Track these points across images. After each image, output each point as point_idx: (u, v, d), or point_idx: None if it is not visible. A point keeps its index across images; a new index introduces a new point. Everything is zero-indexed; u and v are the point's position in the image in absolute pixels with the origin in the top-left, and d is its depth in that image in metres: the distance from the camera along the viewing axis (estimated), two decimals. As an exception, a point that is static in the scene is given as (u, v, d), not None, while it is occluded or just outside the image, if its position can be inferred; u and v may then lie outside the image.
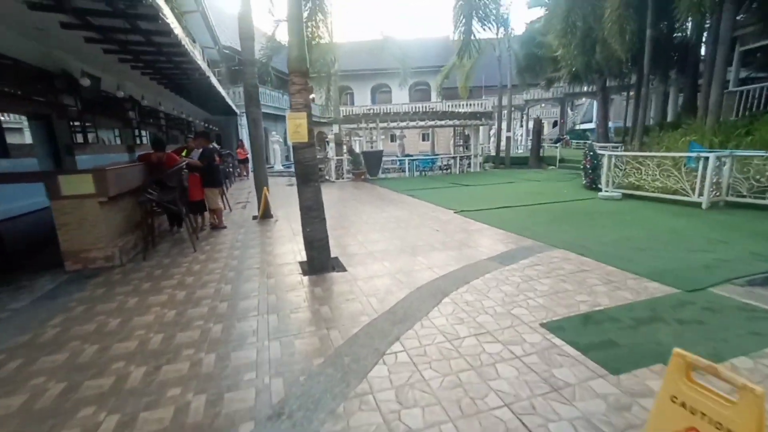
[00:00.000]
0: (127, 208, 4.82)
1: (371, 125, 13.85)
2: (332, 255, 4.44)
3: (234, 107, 17.91)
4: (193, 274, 4.10)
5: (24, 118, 6.23)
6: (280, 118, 23.28)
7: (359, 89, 34.68)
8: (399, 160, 15.04)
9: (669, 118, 14.83)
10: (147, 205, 4.74)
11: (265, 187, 6.72)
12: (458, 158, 15.00)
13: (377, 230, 5.79)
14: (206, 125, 20.56)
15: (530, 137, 36.50)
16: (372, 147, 16.33)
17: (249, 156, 16.15)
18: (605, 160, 8.57)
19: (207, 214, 6.23)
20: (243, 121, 18.69)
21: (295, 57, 3.75)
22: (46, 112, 6.15)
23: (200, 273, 4.11)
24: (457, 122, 14.68)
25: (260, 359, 2.43)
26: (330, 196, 9.82)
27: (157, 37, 5.60)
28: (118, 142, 9.23)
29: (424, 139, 37.07)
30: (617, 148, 14.36)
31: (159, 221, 5.92)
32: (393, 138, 35.81)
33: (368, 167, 13.22)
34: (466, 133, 19.07)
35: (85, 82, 5.90)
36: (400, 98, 33.37)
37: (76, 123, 6.83)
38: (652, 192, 7.63)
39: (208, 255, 4.79)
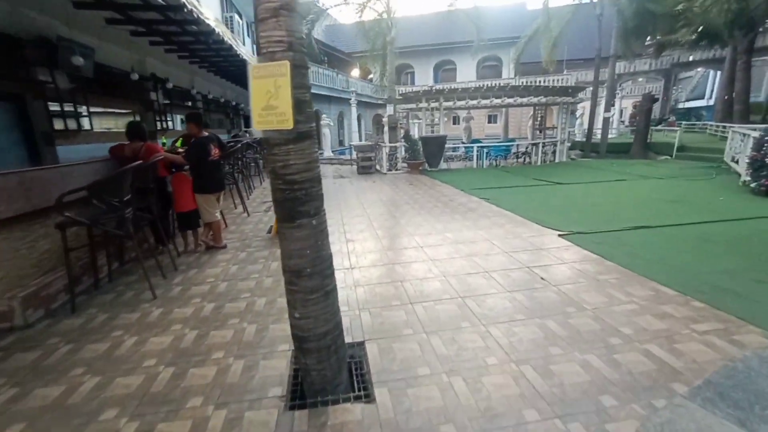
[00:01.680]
0: (52, 231, 3.17)
1: (433, 105, 11.43)
2: (357, 333, 2.41)
3: (283, 88, 16.49)
4: (110, 364, 2.30)
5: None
6: (334, 100, 21.68)
7: (420, 67, 31.83)
8: (466, 147, 12.48)
9: None
10: (68, 230, 3.03)
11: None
12: (540, 145, 12.01)
13: (438, 271, 3.59)
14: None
15: (623, 119, 31.17)
16: (432, 131, 13.94)
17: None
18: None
19: (202, 229, 4.54)
20: (292, 103, 17.23)
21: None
22: (13, 91, 4.80)
23: (119, 364, 2.30)
24: (542, 99, 11.63)
25: None
26: (377, 194, 7.76)
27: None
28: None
29: (490, 122, 33.37)
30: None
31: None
32: (456, 120, 32.62)
33: (427, 156, 10.91)
34: (541, 115, 15.73)
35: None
36: (467, 76, 30.04)
37: (67, 104, 5.50)
38: None
39: (165, 311, 2.99)
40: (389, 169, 11.06)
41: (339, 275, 3.39)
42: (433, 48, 30.42)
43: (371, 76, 30.55)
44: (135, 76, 6.55)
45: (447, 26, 30.56)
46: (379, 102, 28.83)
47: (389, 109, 11.74)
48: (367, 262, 3.92)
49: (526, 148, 12.24)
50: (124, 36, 6.45)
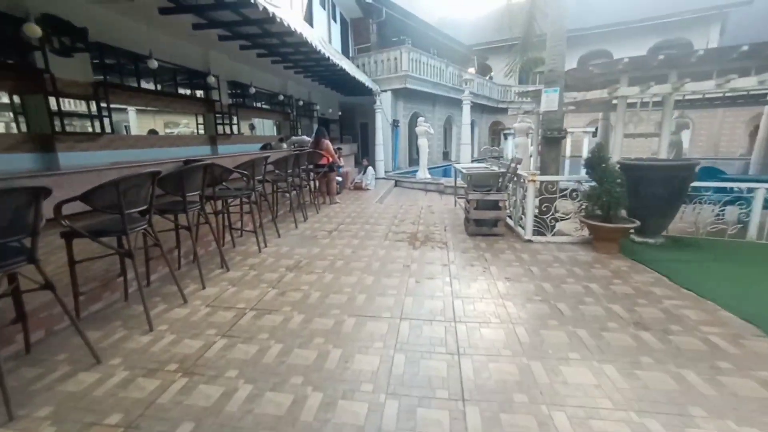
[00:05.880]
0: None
1: (653, 91, 5.11)
2: None
3: (369, 83, 11.80)
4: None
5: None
6: (439, 99, 16.20)
7: (568, 57, 23.70)
8: (714, 189, 5.71)
9: None
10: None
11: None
12: None
13: None
14: (339, 112, 15.43)
15: None
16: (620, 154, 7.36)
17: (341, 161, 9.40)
18: None
19: None
20: (380, 101, 12.45)
21: None
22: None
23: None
24: None
25: None
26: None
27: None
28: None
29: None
30: None
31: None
32: (597, 133, 23.50)
33: (640, 209, 4.61)
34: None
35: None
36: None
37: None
38: None
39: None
40: (539, 233, 5.08)
41: None
42: (582, 34, 21.29)
43: (491, 74, 24.29)
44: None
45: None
46: (501, 106, 22.40)
47: (545, 101, 5.79)
48: None
49: None
50: None
